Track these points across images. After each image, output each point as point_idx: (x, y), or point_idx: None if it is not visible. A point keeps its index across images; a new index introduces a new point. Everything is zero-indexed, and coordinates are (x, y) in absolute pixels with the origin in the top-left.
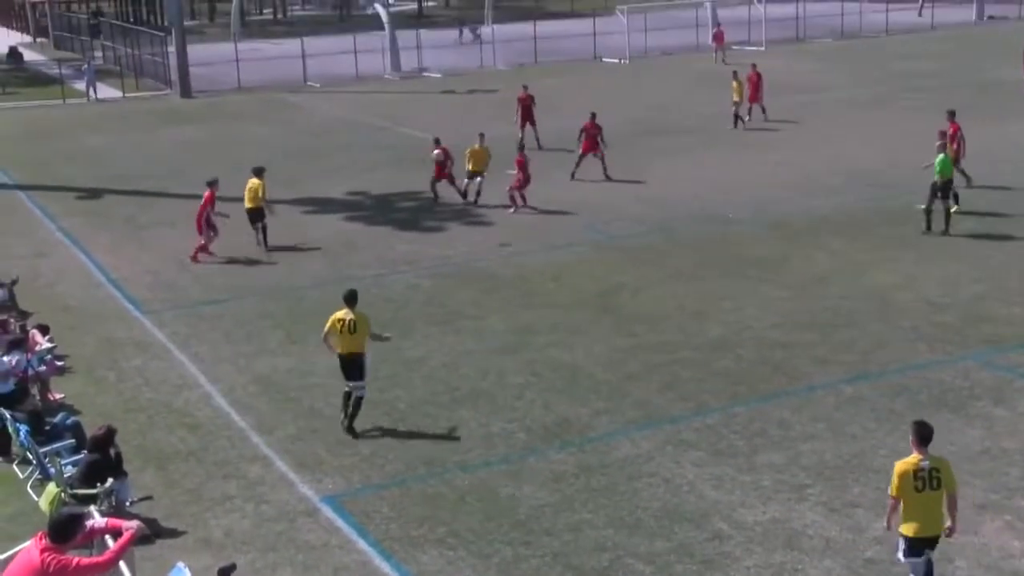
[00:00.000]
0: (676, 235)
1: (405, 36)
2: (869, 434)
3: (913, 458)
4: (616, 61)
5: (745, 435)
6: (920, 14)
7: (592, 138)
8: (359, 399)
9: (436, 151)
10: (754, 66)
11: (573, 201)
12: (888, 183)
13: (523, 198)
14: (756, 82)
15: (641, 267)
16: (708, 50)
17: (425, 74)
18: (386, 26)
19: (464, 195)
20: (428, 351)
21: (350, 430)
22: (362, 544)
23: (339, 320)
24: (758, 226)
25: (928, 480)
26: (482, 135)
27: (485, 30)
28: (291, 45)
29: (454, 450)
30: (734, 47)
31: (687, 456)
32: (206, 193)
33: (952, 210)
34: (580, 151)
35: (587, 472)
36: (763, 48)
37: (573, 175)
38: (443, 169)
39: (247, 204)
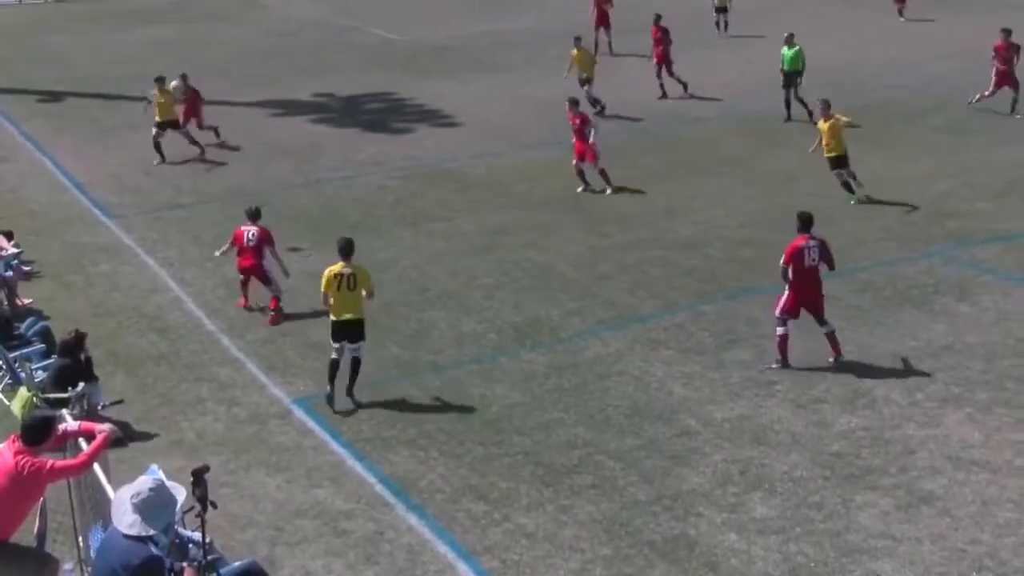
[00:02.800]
0: (647, 135)
1: None
2: (839, 332)
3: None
4: None
5: (714, 333)
6: None
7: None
8: (358, 360)
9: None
10: None
11: (545, 101)
12: (856, 80)
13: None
14: None
15: (612, 167)
16: None
17: None
18: None
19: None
20: (398, 253)
21: (350, 394)
22: (334, 445)
23: (335, 275)
24: (727, 125)
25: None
26: (578, 38)
27: None
28: None
29: (425, 351)
30: None
31: (656, 354)
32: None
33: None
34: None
35: (558, 372)
36: None
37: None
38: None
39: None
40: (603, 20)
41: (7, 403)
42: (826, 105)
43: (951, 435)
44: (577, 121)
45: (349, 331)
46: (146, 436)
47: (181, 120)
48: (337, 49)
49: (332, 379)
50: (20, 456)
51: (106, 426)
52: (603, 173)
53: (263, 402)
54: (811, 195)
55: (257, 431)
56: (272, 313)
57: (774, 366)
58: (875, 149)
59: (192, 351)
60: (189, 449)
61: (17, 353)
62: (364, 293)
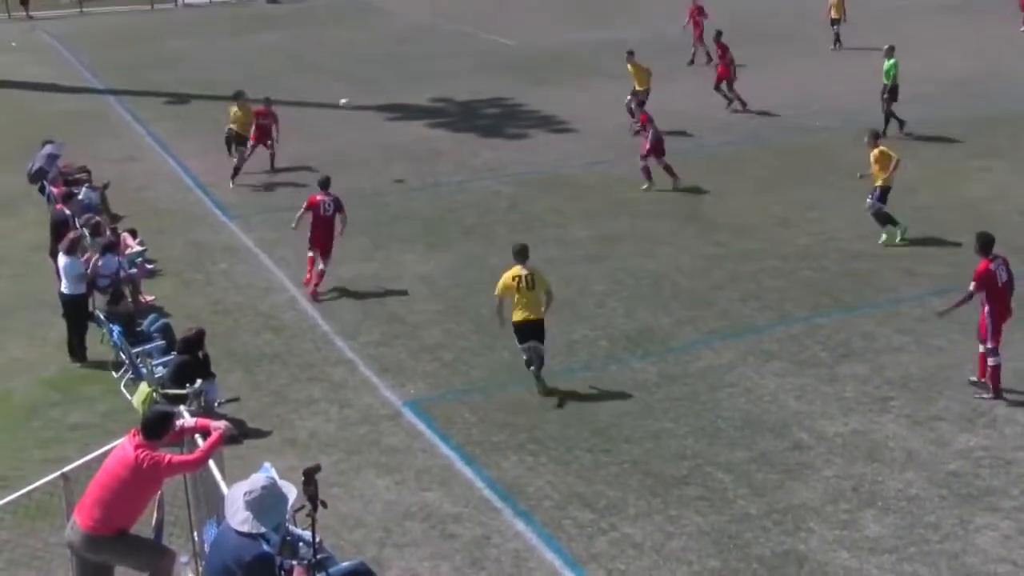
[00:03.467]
0: (764, 143)
1: None
2: (955, 347)
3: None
4: None
5: (828, 346)
6: None
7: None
8: (541, 358)
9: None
10: None
11: (658, 110)
12: (980, 92)
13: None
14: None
15: (728, 175)
16: None
17: None
18: None
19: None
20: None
21: (540, 382)
22: (444, 448)
23: (515, 277)
24: (847, 135)
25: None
26: (631, 52)
27: None
28: None
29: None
30: None
31: (769, 366)
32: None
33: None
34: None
35: (668, 381)
36: None
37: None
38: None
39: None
40: (698, 33)
41: (129, 397)
42: (873, 135)
43: None
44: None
45: (533, 331)
46: (260, 434)
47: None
48: (453, 54)
49: (537, 374)
50: (140, 450)
51: (221, 423)
52: (667, 168)
53: (375, 404)
54: (931, 208)
55: (368, 432)
56: (314, 287)
57: (986, 396)
58: (999, 161)
59: (306, 350)
60: (301, 448)
61: (139, 349)
62: (543, 295)
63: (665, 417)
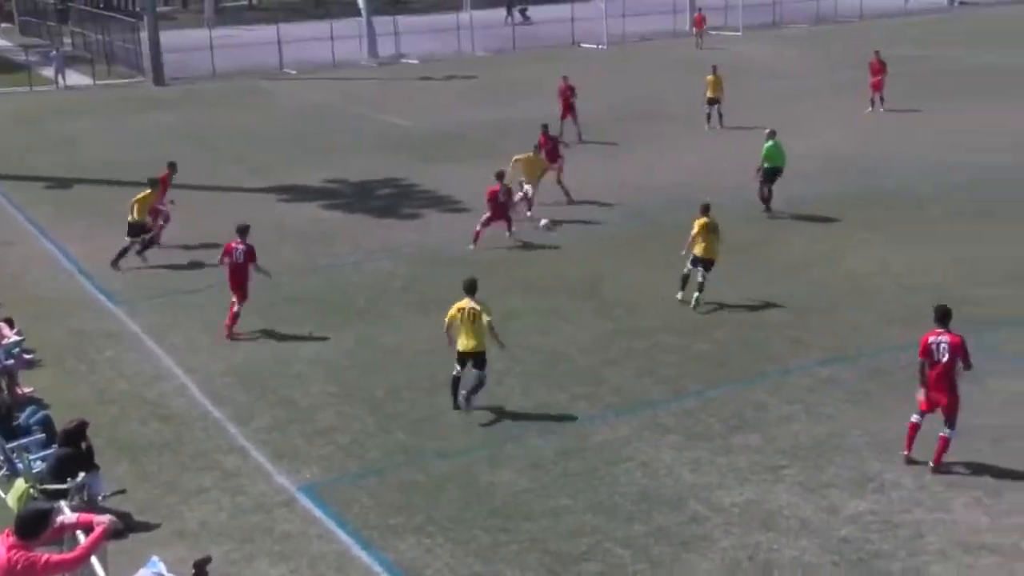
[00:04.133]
0: (656, 221)
1: (382, 22)
2: (843, 415)
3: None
4: (594, 47)
5: (721, 418)
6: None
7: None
8: (482, 380)
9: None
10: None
11: (549, 187)
12: (864, 168)
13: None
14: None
15: (623, 253)
16: (687, 35)
17: (403, 60)
18: (363, 12)
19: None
20: (406, 338)
21: (468, 401)
22: (340, 533)
23: (459, 309)
24: (736, 212)
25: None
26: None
27: (533, 11)
28: (266, 31)
29: (432, 437)
30: (711, 32)
31: (665, 440)
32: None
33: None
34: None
35: (565, 457)
36: (740, 33)
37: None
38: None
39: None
40: (569, 111)
41: (3, 495)
42: (704, 208)
43: (959, 519)
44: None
45: (471, 359)
46: (147, 526)
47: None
48: (346, 135)
49: (454, 392)
50: (14, 551)
51: (105, 517)
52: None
53: (268, 490)
54: (818, 282)
55: (261, 520)
56: (229, 328)
57: (903, 452)
58: (878, 235)
59: (196, 438)
60: (191, 539)
61: (15, 443)
62: (485, 328)
63: (562, 494)
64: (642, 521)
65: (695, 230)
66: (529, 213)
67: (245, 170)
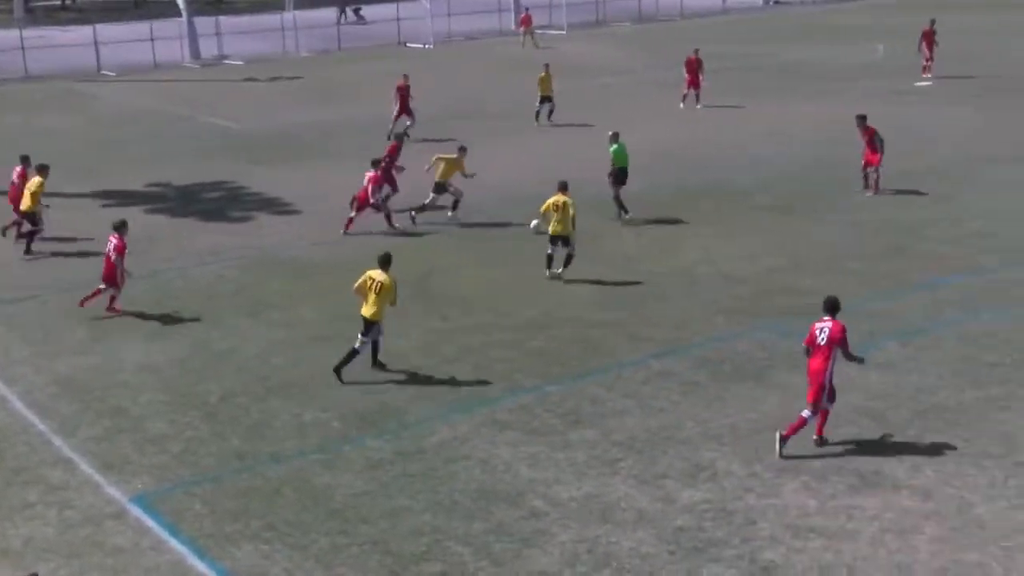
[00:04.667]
0: (488, 218)
1: (203, 23)
2: (675, 407)
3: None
4: (421, 46)
5: (558, 413)
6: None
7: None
8: (375, 344)
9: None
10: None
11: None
12: (691, 162)
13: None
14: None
15: (455, 251)
16: (511, 34)
17: (226, 62)
18: (183, 12)
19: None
20: (238, 342)
21: (376, 365)
22: (174, 543)
23: (370, 278)
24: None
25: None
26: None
27: (366, 10)
28: (82, 32)
29: (267, 442)
30: (536, 31)
31: (502, 436)
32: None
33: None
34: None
35: (404, 458)
36: (564, 32)
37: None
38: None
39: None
40: (404, 110)
41: None
42: (561, 185)
43: (789, 504)
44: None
45: (368, 326)
46: None
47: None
48: (170, 138)
49: (346, 362)
50: None
51: None
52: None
53: (98, 503)
54: (644, 276)
55: (91, 534)
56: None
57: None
58: (706, 227)
59: (19, 453)
60: (15, 558)
61: None
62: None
63: (402, 495)
64: (482, 518)
65: (545, 205)
66: (450, 213)
67: (63, 175)
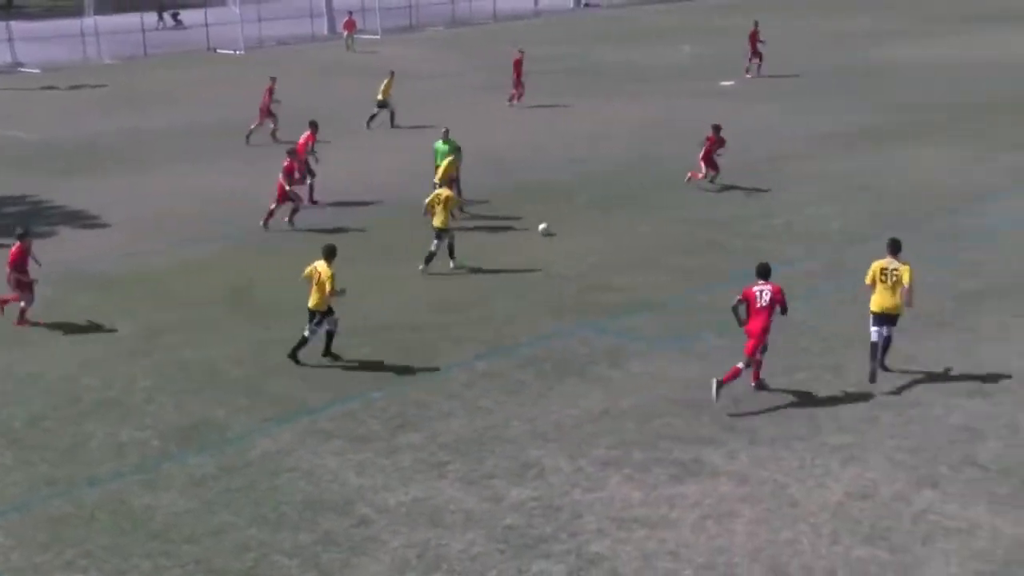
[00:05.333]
0: (312, 225)
1: None
2: (501, 407)
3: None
4: (232, 52)
5: (384, 419)
6: (536, 3)
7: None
8: (329, 334)
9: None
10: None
11: (205, 195)
12: (513, 163)
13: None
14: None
15: (274, 260)
16: (325, 39)
17: (21, 69)
18: None
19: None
20: (45, 363)
21: (327, 354)
22: None
23: (313, 268)
24: (390, 213)
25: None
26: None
27: (185, 15)
28: None
29: (81, 465)
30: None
31: (328, 446)
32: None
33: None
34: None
35: (227, 473)
36: (379, 36)
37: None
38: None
39: None
40: (266, 113)
41: None
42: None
43: (614, 496)
44: None
45: (314, 315)
46: None
47: None
48: None
49: (297, 349)
50: None
51: None
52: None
53: None
54: (468, 277)
55: None
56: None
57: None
58: (532, 227)
59: None
60: None
61: None
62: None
63: (225, 511)
64: (309, 530)
65: (429, 199)
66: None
67: None
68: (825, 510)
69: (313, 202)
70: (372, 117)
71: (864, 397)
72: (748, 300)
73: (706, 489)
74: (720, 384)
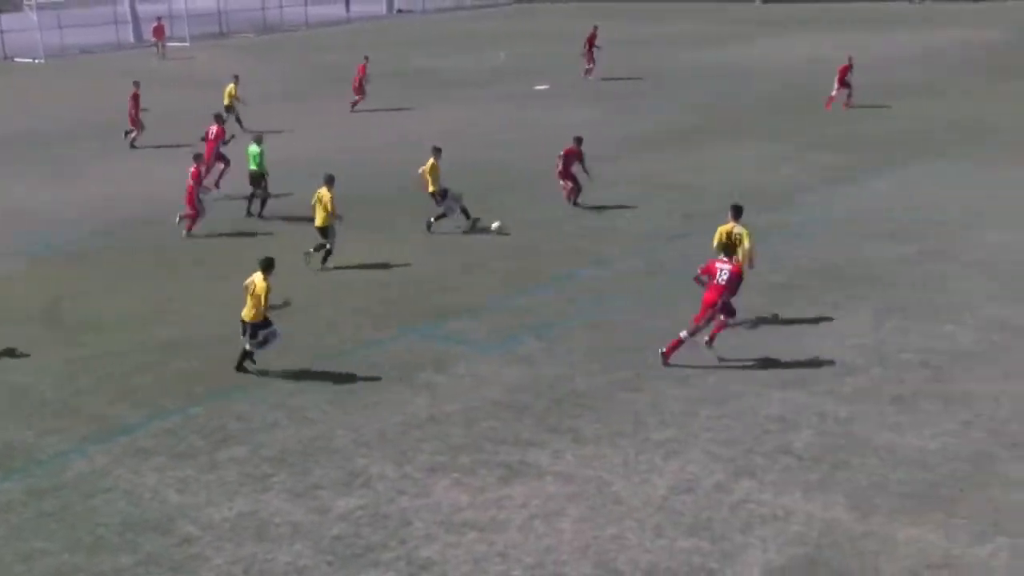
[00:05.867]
0: (116, 239)
1: None
2: (326, 416)
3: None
4: (31, 60)
5: (205, 434)
6: (348, 9)
7: None
8: (264, 342)
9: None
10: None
11: (3, 209)
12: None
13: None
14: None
15: (85, 274)
16: (131, 47)
17: None
18: None
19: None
20: None
21: (243, 363)
22: None
23: (250, 280)
24: (209, 225)
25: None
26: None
27: None
28: None
29: None
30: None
31: (147, 463)
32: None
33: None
34: None
35: (37, 497)
36: (188, 43)
37: None
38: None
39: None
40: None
41: None
42: (329, 179)
43: (442, 501)
44: None
45: (247, 327)
46: None
47: None
48: None
49: (241, 361)
50: None
51: None
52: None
53: None
54: (288, 286)
55: None
56: None
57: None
58: (353, 234)
59: None
60: None
61: None
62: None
63: (37, 536)
64: (129, 551)
65: (314, 199)
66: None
67: None
68: (649, 505)
69: (216, 187)
70: (236, 120)
71: (684, 392)
72: (709, 275)
73: (533, 490)
74: (665, 356)
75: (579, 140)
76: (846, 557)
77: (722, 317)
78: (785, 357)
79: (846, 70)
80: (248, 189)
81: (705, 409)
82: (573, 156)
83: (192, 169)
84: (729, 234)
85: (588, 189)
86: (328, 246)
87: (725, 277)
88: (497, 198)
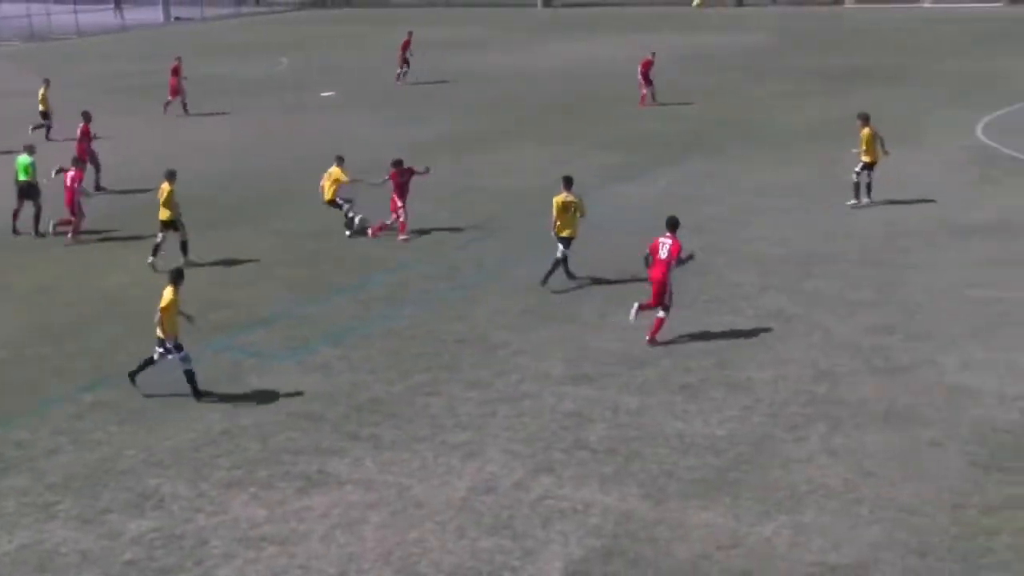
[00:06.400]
0: None
1: None
2: (113, 437)
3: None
4: None
5: None
6: (118, 16)
7: None
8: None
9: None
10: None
11: None
12: (121, 182)
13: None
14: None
15: None
16: None
17: None
18: None
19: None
20: None
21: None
22: None
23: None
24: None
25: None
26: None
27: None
28: None
29: None
30: None
31: None
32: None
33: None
34: None
35: None
36: None
37: None
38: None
39: None
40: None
41: None
42: (170, 175)
43: (239, 517)
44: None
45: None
46: None
47: None
48: None
49: (140, 370)
50: None
51: None
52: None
53: None
54: (73, 301)
55: None
56: None
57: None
58: (134, 247)
59: None
60: None
61: None
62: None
63: None
64: None
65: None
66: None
67: None
68: (450, 507)
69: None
70: (43, 127)
71: (481, 394)
72: (652, 252)
73: (333, 499)
74: (652, 341)
75: (399, 162)
76: (641, 545)
77: (660, 314)
78: (572, 354)
79: (648, 64)
80: (12, 204)
81: (502, 408)
82: (404, 176)
83: (72, 173)
84: (564, 203)
85: (376, 197)
86: (183, 238)
87: (665, 252)
88: (279, 207)
